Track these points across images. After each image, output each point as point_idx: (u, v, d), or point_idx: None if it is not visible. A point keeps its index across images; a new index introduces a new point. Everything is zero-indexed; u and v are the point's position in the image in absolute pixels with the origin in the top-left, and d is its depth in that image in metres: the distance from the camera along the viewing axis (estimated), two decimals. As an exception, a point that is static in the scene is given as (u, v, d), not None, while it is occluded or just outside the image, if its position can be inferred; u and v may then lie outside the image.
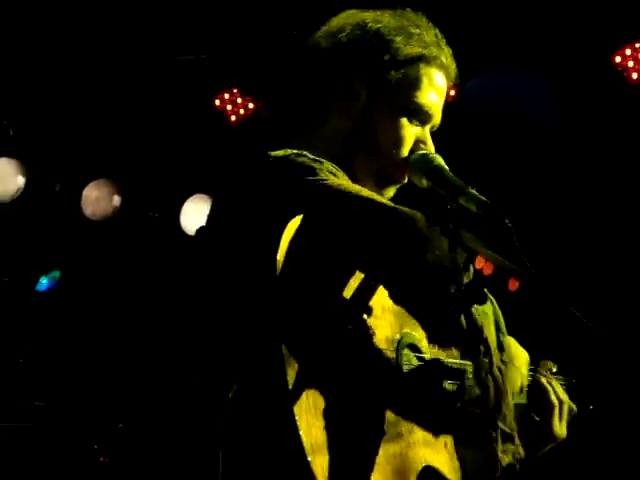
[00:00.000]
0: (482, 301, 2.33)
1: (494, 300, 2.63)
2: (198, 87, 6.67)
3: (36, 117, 6.50)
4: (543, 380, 2.79)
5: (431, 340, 2.43)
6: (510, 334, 2.81)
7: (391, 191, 2.68)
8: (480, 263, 2.32)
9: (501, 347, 2.53)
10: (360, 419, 2.29)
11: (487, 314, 2.49)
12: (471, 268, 2.41)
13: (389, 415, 2.34)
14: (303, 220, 2.30)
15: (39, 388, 6.96)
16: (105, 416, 6.79)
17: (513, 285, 2.31)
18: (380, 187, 2.63)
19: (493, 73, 6.32)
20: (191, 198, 6.95)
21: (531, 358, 2.88)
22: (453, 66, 2.71)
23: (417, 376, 2.44)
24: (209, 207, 7.22)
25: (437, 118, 2.70)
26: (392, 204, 2.35)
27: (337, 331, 2.31)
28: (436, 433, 2.43)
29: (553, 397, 2.76)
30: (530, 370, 2.85)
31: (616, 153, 6.41)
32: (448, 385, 2.47)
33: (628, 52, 6.12)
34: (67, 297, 7.31)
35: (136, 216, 6.95)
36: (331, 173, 2.38)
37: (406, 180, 2.67)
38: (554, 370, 2.97)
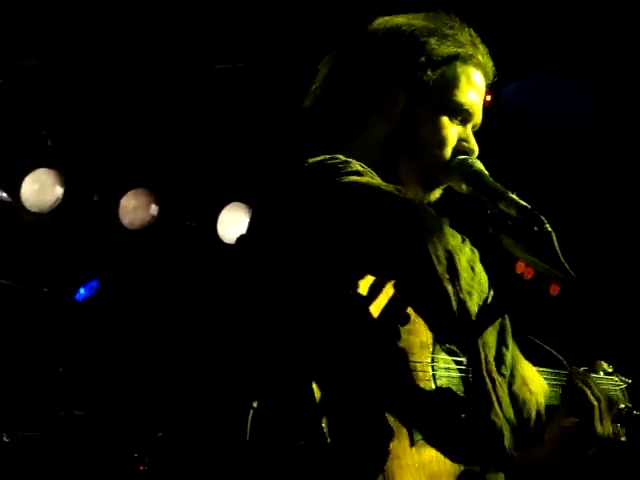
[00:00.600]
0: (501, 316, 2.31)
1: (506, 314, 2.56)
2: (235, 96, 6.69)
3: (74, 127, 6.54)
4: (579, 382, 2.78)
5: (436, 340, 2.39)
6: (551, 338, 2.79)
7: (437, 192, 2.67)
8: (520, 268, 2.31)
9: (500, 359, 2.52)
10: (388, 425, 2.27)
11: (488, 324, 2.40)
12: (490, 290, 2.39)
13: None
14: (325, 221, 2.29)
15: (78, 397, 7.00)
16: (144, 425, 6.81)
17: (554, 290, 2.29)
18: (426, 189, 2.63)
19: (529, 78, 6.31)
20: (228, 207, 6.96)
21: (575, 360, 2.87)
22: (490, 64, 2.72)
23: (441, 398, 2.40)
24: (246, 215, 7.19)
25: (478, 117, 2.69)
26: (408, 196, 2.30)
27: (370, 340, 2.29)
28: (453, 458, 2.37)
29: (591, 397, 2.75)
30: (567, 373, 2.84)
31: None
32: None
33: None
34: (106, 306, 7.34)
35: (173, 225, 6.98)
36: (356, 172, 2.36)
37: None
38: (609, 370, 2.98)
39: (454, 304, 2.17)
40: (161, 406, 6.90)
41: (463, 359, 2.47)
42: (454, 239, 2.45)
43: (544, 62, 6.23)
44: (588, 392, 2.76)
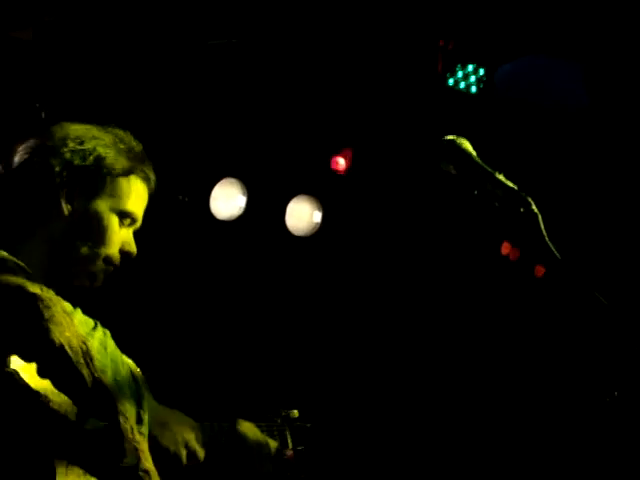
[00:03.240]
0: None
1: (141, 378, 3.06)
2: (230, 72, 6.69)
3: (68, 100, 6.54)
4: (241, 428, 3.35)
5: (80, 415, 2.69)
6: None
7: (101, 281, 3.12)
8: (506, 249, 2.34)
9: (140, 421, 2.96)
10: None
11: (125, 393, 2.93)
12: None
13: None
14: None
15: None
16: None
17: (539, 272, 2.33)
18: (92, 280, 3.09)
19: (523, 59, 6.33)
20: (220, 182, 6.96)
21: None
22: (154, 177, 3.25)
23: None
24: (239, 192, 7.15)
25: (139, 222, 3.20)
26: (44, 294, 2.62)
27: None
28: None
29: (249, 442, 3.32)
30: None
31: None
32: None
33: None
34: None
35: (166, 200, 6.97)
36: (7, 270, 2.76)
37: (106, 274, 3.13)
38: (292, 416, 3.59)
39: (89, 384, 2.55)
40: None
41: None
42: (86, 326, 2.93)
43: (538, 44, 6.25)
44: (245, 438, 3.32)
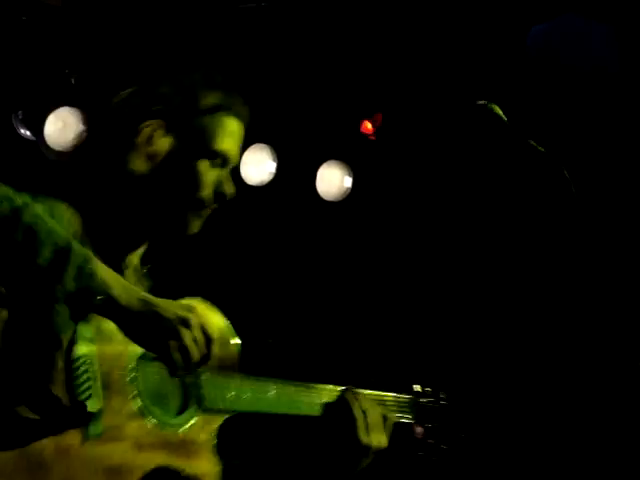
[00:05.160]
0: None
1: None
2: (260, 36, 6.68)
3: (98, 66, 6.55)
4: (348, 396, 3.14)
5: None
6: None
7: (196, 226, 3.02)
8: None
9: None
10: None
11: None
12: None
13: None
14: None
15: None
16: None
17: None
18: (184, 226, 2.98)
19: (556, 20, 6.29)
20: (250, 148, 6.96)
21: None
22: (246, 112, 3.08)
23: None
24: (269, 157, 7.15)
25: (234, 159, 3.07)
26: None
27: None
28: None
29: (356, 410, 3.10)
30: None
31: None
32: None
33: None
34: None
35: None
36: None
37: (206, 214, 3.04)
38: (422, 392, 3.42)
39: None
40: None
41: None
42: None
43: (570, 5, 6.21)
44: (355, 404, 3.11)
